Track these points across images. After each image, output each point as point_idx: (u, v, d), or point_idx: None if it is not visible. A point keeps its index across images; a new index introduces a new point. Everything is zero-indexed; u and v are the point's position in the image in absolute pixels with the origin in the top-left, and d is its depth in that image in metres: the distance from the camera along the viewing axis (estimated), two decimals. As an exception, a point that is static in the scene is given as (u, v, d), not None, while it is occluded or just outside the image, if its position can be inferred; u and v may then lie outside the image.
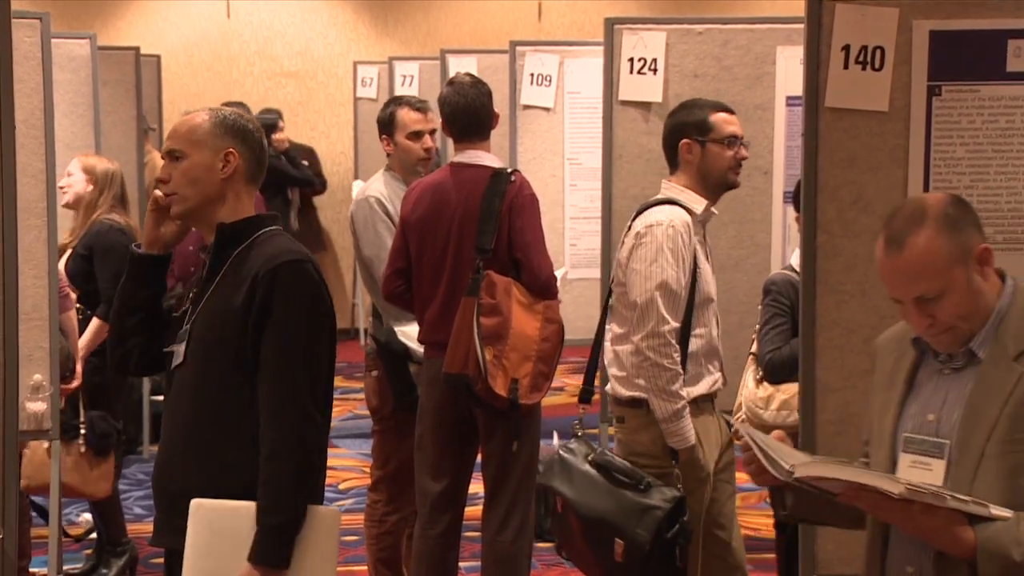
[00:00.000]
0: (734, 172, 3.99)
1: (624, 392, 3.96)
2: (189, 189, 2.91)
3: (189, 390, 2.91)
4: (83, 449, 5.11)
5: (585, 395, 4.09)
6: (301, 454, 2.83)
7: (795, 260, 4.12)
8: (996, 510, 2.29)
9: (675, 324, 3.82)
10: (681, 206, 3.91)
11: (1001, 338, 2.40)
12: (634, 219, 3.98)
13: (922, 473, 2.39)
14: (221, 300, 2.89)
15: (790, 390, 4.19)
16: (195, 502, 2.81)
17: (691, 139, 3.93)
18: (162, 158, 2.99)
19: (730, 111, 4.02)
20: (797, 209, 4.09)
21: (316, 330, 2.88)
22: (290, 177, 9.92)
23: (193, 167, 2.90)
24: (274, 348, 2.82)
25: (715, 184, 3.98)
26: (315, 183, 10.38)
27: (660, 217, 3.89)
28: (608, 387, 4.11)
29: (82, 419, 5.13)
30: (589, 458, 3.84)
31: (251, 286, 2.83)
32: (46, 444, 5.02)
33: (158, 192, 2.97)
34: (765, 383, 4.34)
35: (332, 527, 2.88)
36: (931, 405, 2.45)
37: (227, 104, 3.17)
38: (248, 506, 2.81)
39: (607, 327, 4.11)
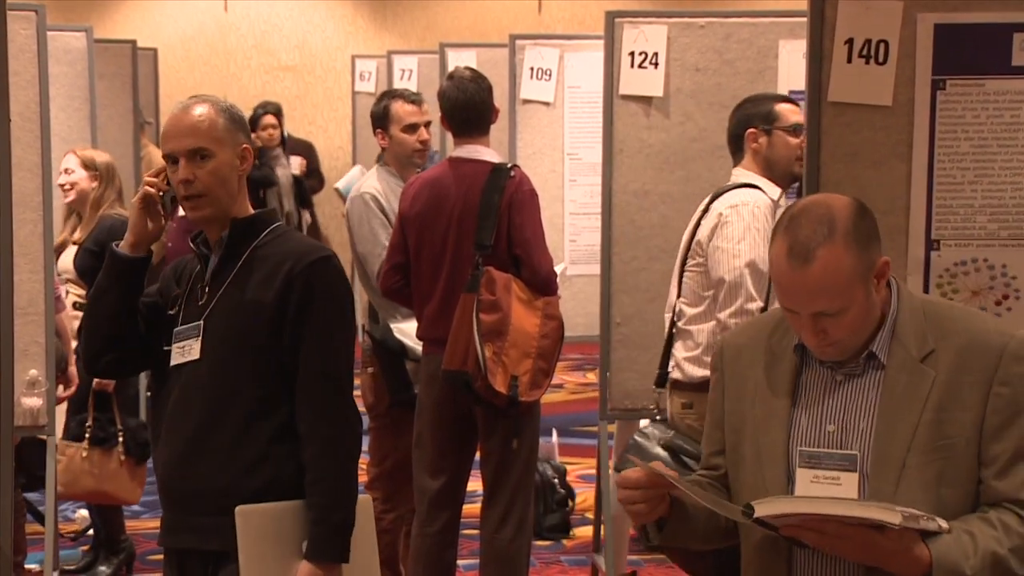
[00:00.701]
0: (799, 163, 4.02)
1: (696, 372, 4.00)
2: (219, 189, 2.88)
3: (205, 388, 2.87)
4: (123, 457, 5.11)
5: (661, 379, 4.16)
6: (352, 449, 2.86)
7: None
8: (941, 522, 2.23)
9: (760, 303, 3.89)
10: (761, 191, 3.97)
11: (901, 340, 2.32)
12: (711, 202, 4.04)
13: (829, 488, 2.29)
14: (244, 295, 2.86)
15: None
16: (240, 509, 2.80)
17: (757, 128, 4.03)
18: (171, 156, 2.89)
19: (795, 102, 4.12)
20: None
21: (352, 325, 2.92)
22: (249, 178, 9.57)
23: (222, 166, 2.87)
24: (320, 343, 2.83)
25: (781, 174, 4.08)
26: (274, 182, 9.50)
27: (745, 198, 3.97)
28: (671, 371, 4.11)
29: (119, 426, 5.14)
30: (662, 442, 3.83)
31: (285, 282, 2.83)
32: (84, 452, 5.03)
33: (149, 188, 2.91)
34: None
35: (368, 514, 2.95)
36: (828, 415, 2.34)
37: (194, 98, 3.06)
38: (296, 506, 2.82)
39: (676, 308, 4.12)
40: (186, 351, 2.89)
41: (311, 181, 10.19)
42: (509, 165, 4.56)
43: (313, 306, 2.83)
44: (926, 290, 3.03)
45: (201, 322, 2.89)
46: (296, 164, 9.66)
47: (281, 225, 2.99)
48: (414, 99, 4.94)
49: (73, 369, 4.93)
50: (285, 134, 9.64)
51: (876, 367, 2.32)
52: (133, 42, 7.68)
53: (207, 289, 2.92)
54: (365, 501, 2.94)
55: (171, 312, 2.96)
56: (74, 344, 4.92)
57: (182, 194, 2.88)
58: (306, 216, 9.27)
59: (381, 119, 4.92)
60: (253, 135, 8.87)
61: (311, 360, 2.83)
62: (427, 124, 4.93)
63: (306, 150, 10.62)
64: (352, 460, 2.87)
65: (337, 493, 2.83)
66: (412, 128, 4.89)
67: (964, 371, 2.29)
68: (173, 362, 2.91)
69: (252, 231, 2.92)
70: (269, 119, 9.30)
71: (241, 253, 2.90)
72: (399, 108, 4.89)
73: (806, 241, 2.24)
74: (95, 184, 5.32)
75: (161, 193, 2.91)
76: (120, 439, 5.13)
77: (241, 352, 2.85)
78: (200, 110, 2.89)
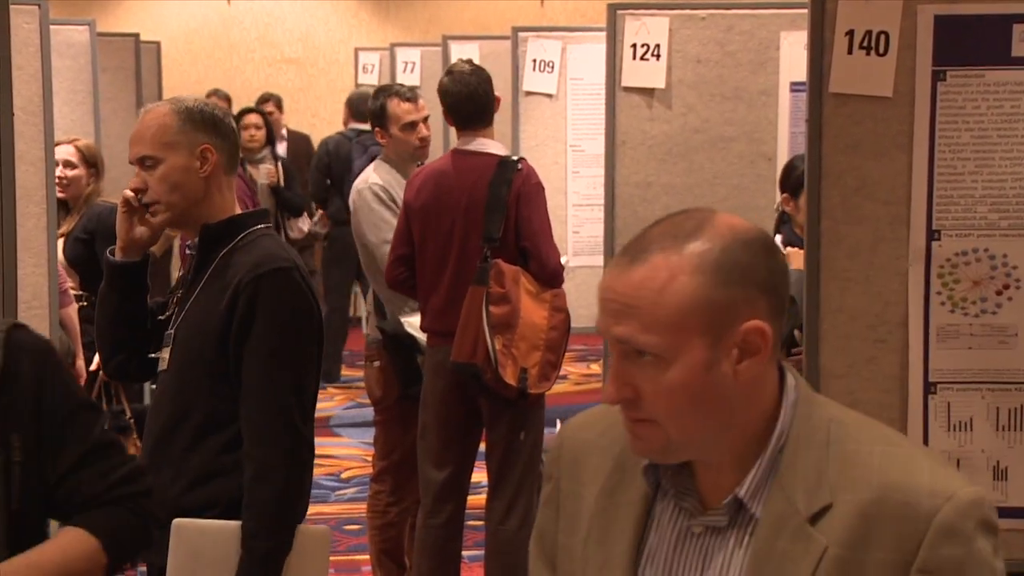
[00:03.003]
0: None
1: None
2: (172, 196, 2.77)
3: (167, 399, 2.81)
4: (139, 443, 5.12)
5: None
6: (290, 474, 2.69)
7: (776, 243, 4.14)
8: None
9: None
10: None
11: (785, 485, 1.54)
12: None
13: None
14: (203, 306, 2.76)
15: None
16: (176, 522, 2.68)
17: None
18: (131, 163, 2.84)
19: None
20: (785, 190, 4.08)
21: (302, 341, 2.74)
22: None
23: (171, 172, 2.76)
24: (258, 362, 2.68)
25: None
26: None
27: None
28: None
29: (129, 414, 5.15)
30: None
31: (233, 295, 2.69)
32: None
33: (128, 192, 2.83)
34: None
35: (322, 547, 2.75)
36: None
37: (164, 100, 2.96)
38: (232, 527, 2.68)
39: None
40: (162, 361, 2.83)
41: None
42: (516, 158, 4.57)
43: (254, 324, 2.68)
44: (927, 282, 3.03)
45: (172, 331, 2.82)
46: (264, 174, 8.41)
47: (260, 228, 2.83)
48: (409, 96, 4.94)
49: (80, 363, 4.95)
50: (281, 130, 8.79)
51: (746, 520, 1.56)
52: (136, 36, 7.69)
53: (179, 297, 2.85)
54: (320, 532, 2.76)
55: (160, 318, 2.91)
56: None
57: (143, 202, 2.80)
58: (299, 224, 8.53)
59: (379, 118, 4.93)
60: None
61: (249, 379, 2.68)
62: (425, 119, 4.94)
63: (303, 143, 10.57)
64: (288, 486, 2.68)
65: (266, 520, 2.66)
66: (411, 126, 4.89)
67: (869, 544, 1.50)
68: (159, 368, 2.85)
69: (224, 236, 2.79)
70: (252, 118, 8.42)
71: (212, 260, 2.79)
72: (395, 107, 4.89)
73: (649, 241, 1.57)
74: (92, 180, 5.32)
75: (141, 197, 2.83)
76: (132, 425, 5.14)
77: (196, 364, 2.75)
78: (153, 115, 2.80)
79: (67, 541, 2.07)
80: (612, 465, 1.66)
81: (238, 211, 2.86)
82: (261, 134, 8.40)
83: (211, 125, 2.80)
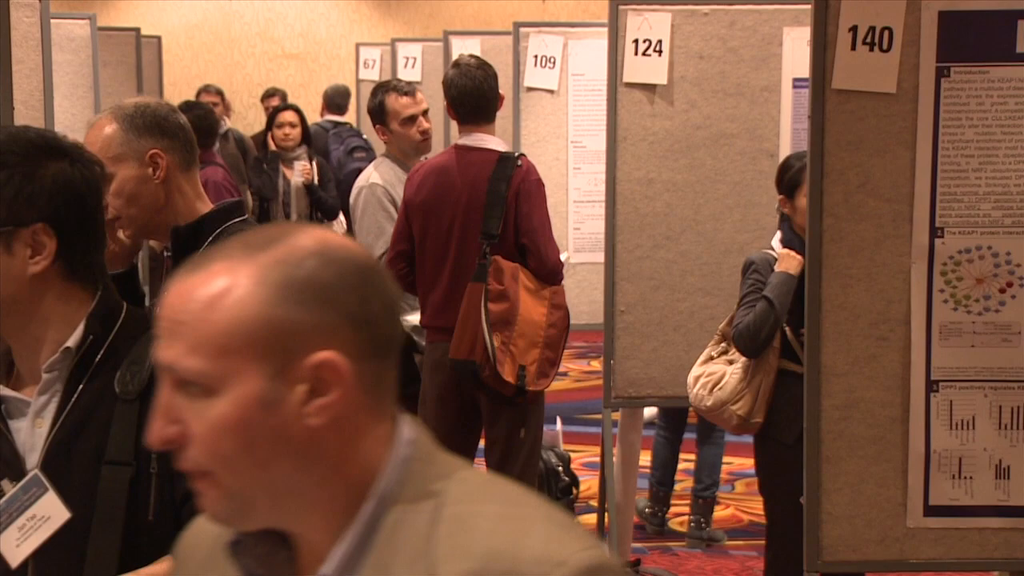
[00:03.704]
0: None
1: None
2: (131, 209, 2.65)
3: None
4: None
5: None
6: None
7: (775, 242, 4.10)
8: None
9: None
10: None
11: (382, 557, 1.27)
12: None
13: None
14: None
15: (715, 374, 4.10)
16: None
17: None
18: None
19: None
20: (780, 192, 4.05)
21: None
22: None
23: (124, 185, 2.63)
24: None
25: None
26: (267, 196, 8.01)
27: None
28: None
29: None
30: None
31: None
32: None
33: None
34: (703, 363, 4.21)
35: None
36: None
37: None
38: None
39: None
40: None
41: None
42: (516, 154, 4.56)
43: None
44: (930, 279, 3.02)
45: None
46: (299, 171, 7.92)
47: (234, 225, 2.70)
48: (407, 90, 4.94)
49: None
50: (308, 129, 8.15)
51: None
52: (137, 30, 7.68)
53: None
54: None
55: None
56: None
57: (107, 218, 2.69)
58: (333, 228, 8.16)
59: (378, 115, 4.93)
60: (268, 135, 8.04)
61: None
62: (424, 112, 4.93)
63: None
64: None
65: None
66: (410, 120, 4.89)
67: None
68: None
69: (195, 237, 2.68)
70: (287, 115, 7.95)
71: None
72: (394, 102, 4.88)
73: (220, 250, 1.30)
74: None
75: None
76: None
77: None
78: (95, 130, 2.66)
79: (157, 572, 1.91)
80: (218, 552, 1.36)
81: (207, 207, 2.75)
82: (296, 132, 7.97)
83: (155, 127, 2.66)
